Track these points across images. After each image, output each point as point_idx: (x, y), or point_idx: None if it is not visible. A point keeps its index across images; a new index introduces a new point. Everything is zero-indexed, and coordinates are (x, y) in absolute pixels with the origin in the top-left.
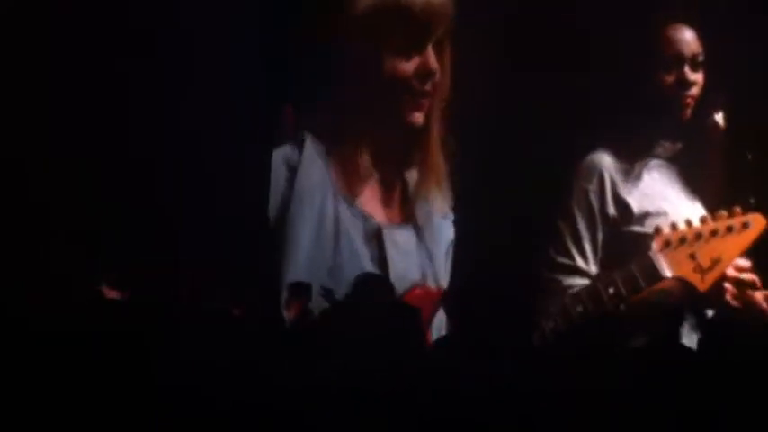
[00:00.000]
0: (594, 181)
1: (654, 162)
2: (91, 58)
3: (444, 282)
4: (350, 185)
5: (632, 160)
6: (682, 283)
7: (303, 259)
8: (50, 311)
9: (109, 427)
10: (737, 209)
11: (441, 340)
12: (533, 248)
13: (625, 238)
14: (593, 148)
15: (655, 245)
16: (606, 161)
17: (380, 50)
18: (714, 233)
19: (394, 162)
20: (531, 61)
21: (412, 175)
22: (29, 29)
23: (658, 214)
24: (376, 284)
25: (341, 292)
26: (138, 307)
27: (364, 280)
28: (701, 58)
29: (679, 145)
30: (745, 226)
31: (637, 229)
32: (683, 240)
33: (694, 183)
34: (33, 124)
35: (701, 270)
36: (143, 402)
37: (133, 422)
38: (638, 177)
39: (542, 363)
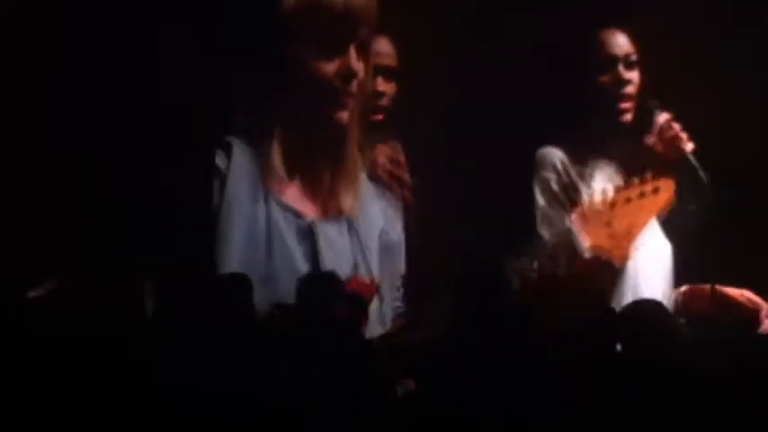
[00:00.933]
0: (552, 170)
1: (604, 161)
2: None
3: (377, 272)
4: (279, 184)
5: (584, 158)
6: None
7: (236, 268)
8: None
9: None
10: (648, 175)
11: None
12: (496, 238)
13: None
14: (546, 143)
15: (573, 217)
16: (558, 154)
17: (303, 51)
18: (628, 200)
19: (319, 158)
20: (489, 58)
21: (336, 171)
22: None
23: None
24: (312, 286)
25: (276, 293)
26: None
27: (299, 285)
28: (633, 58)
29: (626, 145)
30: (656, 191)
31: None
32: (598, 210)
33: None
34: None
35: (616, 237)
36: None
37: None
38: (591, 176)
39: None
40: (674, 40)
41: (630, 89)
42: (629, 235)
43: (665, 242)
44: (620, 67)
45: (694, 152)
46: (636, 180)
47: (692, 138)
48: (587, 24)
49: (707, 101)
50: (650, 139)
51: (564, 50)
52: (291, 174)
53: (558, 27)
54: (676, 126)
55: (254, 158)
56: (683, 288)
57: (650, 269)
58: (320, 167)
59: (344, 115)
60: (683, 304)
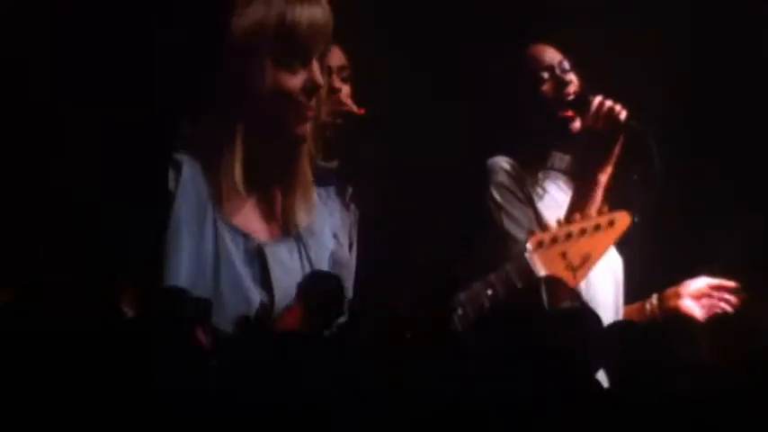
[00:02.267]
0: (505, 174)
1: (553, 174)
2: None
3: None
4: (230, 203)
5: (533, 170)
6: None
7: (185, 283)
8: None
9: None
10: (605, 208)
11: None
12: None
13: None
14: (494, 154)
15: (529, 245)
16: (509, 161)
17: (266, 66)
18: (583, 232)
19: (271, 176)
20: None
21: (286, 189)
22: None
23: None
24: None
25: (222, 319)
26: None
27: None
28: (566, 64)
29: (569, 156)
30: (611, 224)
31: None
32: (554, 240)
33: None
34: None
35: (573, 268)
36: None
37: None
38: (543, 189)
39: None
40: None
41: (572, 89)
42: (584, 266)
43: (617, 256)
44: (558, 73)
45: (630, 118)
46: (592, 212)
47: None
48: (518, 43)
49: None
50: (588, 121)
51: (503, 74)
52: (248, 191)
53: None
54: (608, 101)
55: (206, 176)
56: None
57: (603, 283)
58: (274, 183)
59: (306, 129)
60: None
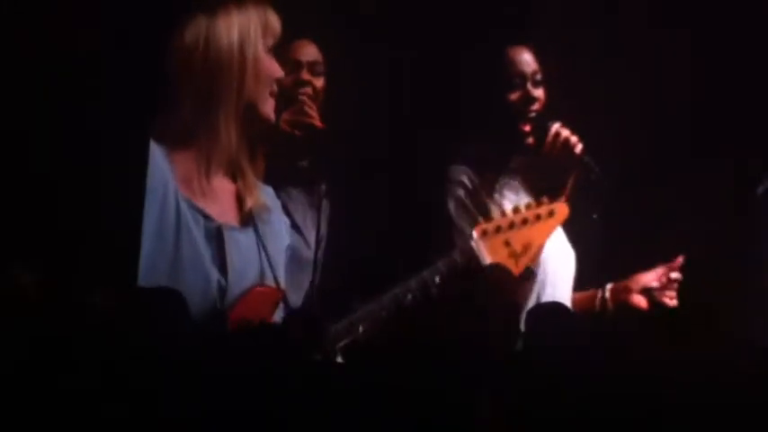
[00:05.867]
0: (461, 185)
1: (512, 180)
2: None
3: (282, 280)
4: (191, 187)
5: (493, 178)
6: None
7: (147, 249)
8: None
9: None
10: (545, 198)
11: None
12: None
13: None
14: (456, 161)
15: (474, 234)
16: (468, 171)
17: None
18: (525, 221)
19: (229, 165)
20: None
21: (244, 179)
22: None
23: None
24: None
25: (182, 285)
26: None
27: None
28: (539, 77)
29: (526, 158)
30: (551, 214)
31: None
32: (498, 229)
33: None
34: None
35: (515, 255)
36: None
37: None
38: (501, 194)
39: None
40: (570, 55)
41: (537, 107)
42: (526, 254)
43: (570, 250)
44: (529, 85)
45: (584, 153)
46: (533, 203)
47: (583, 142)
48: (496, 42)
49: (604, 113)
50: (546, 148)
51: (474, 68)
52: (203, 177)
53: (466, 46)
54: (565, 131)
55: (166, 156)
56: (609, 286)
57: (557, 276)
58: (231, 173)
59: (273, 114)
60: (611, 301)
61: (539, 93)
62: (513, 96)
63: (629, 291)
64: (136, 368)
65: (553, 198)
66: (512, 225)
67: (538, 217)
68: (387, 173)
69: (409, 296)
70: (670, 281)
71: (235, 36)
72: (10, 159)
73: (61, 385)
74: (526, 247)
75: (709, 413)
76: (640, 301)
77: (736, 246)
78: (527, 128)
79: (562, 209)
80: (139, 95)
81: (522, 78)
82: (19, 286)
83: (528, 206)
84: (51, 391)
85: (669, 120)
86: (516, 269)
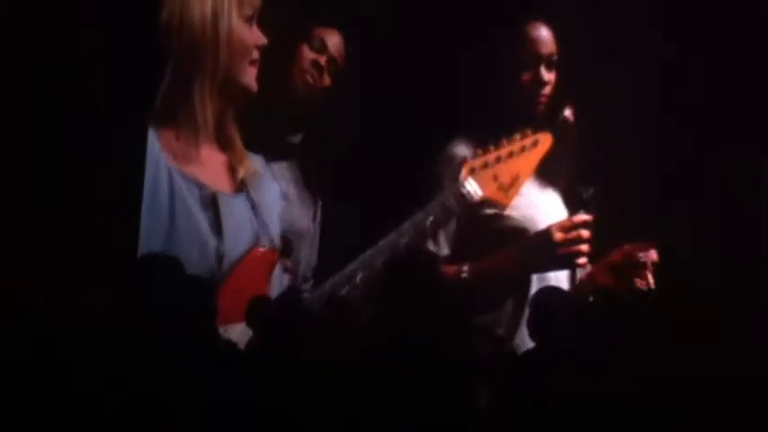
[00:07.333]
0: (450, 169)
1: None
2: None
3: (278, 242)
4: (181, 159)
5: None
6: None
7: (142, 223)
8: None
9: None
10: (528, 130)
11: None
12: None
13: (481, 225)
14: (454, 139)
15: (463, 171)
16: (464, 150)
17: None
18: (510, 154)
19: (216, 136)
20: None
21: (233, 148)
22: None
23: (518, 208)
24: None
25: (178, 253)
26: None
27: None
28: (555, 58)
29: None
30: (535, 144)
31: (498, 220)
32: (485, 165)
33: (549, 174)
34: None
35: (504, 188)
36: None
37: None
38: None
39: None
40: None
41: (547, 90)
42: (515, 185)
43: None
44: (542, 68)
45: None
46: (517, 135)
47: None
48: (514, 18)
49: (604, 113)
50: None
51: (489, 44)
52: (194, 147)
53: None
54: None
55: (156, 131)
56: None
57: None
58: (221, 143)
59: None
60: (591, 281)
61: (550, 76)
62: (526, 76)
63: (601, 270)
64: (136, 368)
65: (537, 128)
66: (498, 159)
67: (523, 148)
68: (382, 159)
69: (404, 240)
70: (639, 262)
71: (208, 9)
72: (10, 159)
73: (61, 385)
74: (514, 180)
75: (709, 413)
76: (606, 278)
77: (735, 246)
78: (538, 111)
79: (546, 138)
80: (139, 95)
81: (535, 59)
82: (19, 286)
83: (512, 138)
84: (51, 392)
85: (669, 120)
86: (506, 201)
